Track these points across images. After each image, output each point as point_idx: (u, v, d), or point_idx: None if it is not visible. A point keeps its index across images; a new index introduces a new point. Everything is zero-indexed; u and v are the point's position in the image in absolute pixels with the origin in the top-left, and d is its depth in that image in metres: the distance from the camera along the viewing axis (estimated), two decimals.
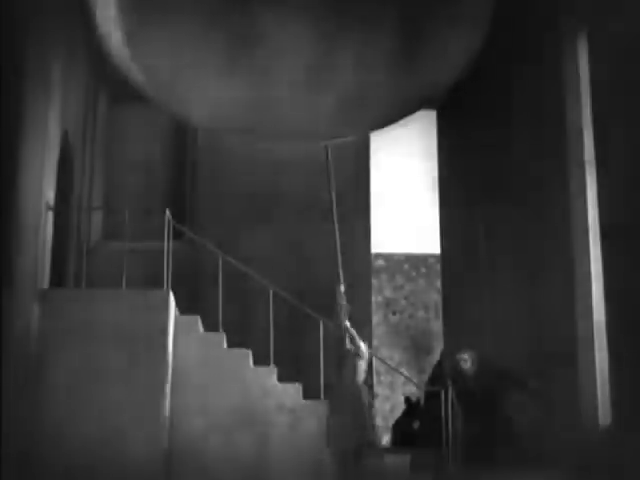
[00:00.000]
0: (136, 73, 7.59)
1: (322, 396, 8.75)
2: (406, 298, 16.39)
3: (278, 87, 7.51)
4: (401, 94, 7.79)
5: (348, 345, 7.79)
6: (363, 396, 7.63)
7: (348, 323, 7.84)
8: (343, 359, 7.78)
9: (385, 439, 12.24)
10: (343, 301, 7.90)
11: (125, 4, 7.34)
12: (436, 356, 14.12)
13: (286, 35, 7.37)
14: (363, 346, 7.83)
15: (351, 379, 7.67)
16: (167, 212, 9.01)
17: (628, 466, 7.13)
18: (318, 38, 7.44)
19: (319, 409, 8.63)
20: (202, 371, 8.58)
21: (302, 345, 10.31)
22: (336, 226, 8.16)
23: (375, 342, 14.46)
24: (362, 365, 7.74)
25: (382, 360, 12.72)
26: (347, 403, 7.60)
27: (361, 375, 7.73)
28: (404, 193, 15.23)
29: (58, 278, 9.50)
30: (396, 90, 7.70)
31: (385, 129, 8.72)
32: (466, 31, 7.67)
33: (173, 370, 8.42)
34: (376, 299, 15.41)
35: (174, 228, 9.18)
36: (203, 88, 7.58)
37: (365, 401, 7.63)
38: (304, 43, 7.45)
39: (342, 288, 7.97)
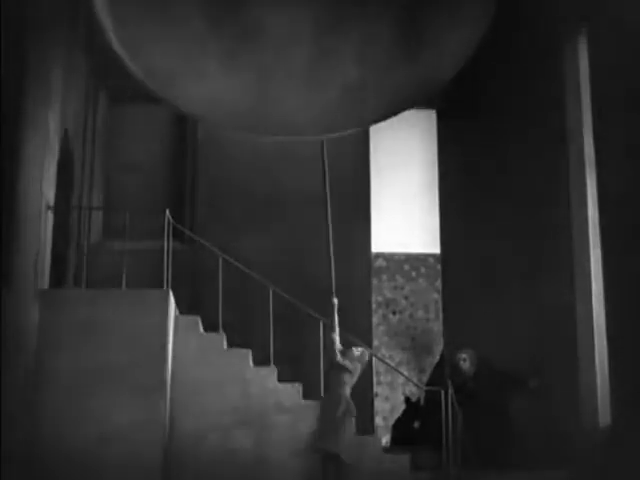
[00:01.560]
0: (137, 69, 7.58)
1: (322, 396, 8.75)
2: (406, 298, 16.38)
3: (278, 81, 7.54)
4: (400, 87, 7.82)
5: (338, 357, 7.83)
6: (341, 409, 7.69)
7: (338, 339, 7.89)
8: (329, 372, 7.90)
9: (385, 439, 12.22)
10: (335, 316, 7.99)
11: (125, 3, 7.35)
12: (436, 356, 14.13)
13: (286, 30, 7.41)
14: (356, 353, 7.87)
15: (334, 390, 7.77)
16: (167, 212, 9.01)
17: (628, 466, 7.13)
18: (318, 33, 7.47)
19: (319, 409, 8.63)
20: (202, 371, 8.57)
21: (302, 345, 10.30)
22: (330, 235, 8.16)
23: (375, 342, 14.45)
24: (348, 379, 7.79)
25: (382, 360, 12.71)
26: (325, 412, 7.73)
27: (346, 390, 7.82)
28: (404, 193, 15.22)
29: (58, 278, 9.50)
30: (396, 83, 7.73)
31: (384, 122, 8.70)
32: (466, 27, 7.69)
33: (173, 370, 8.42)
34: (376, 299, 15.39)
35: (174, 228, 9.18)
36: (204, 83, 7.58)
37: (341, 414, 7.71)
38: (304, 38, 7.48)
39: (335, 301, 8.03)
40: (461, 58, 7.83)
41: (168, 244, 8.83)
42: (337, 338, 7.92)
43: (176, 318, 8.67)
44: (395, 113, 8.24)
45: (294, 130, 8.05)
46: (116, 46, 7.45)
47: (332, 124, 7.90)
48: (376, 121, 8.63)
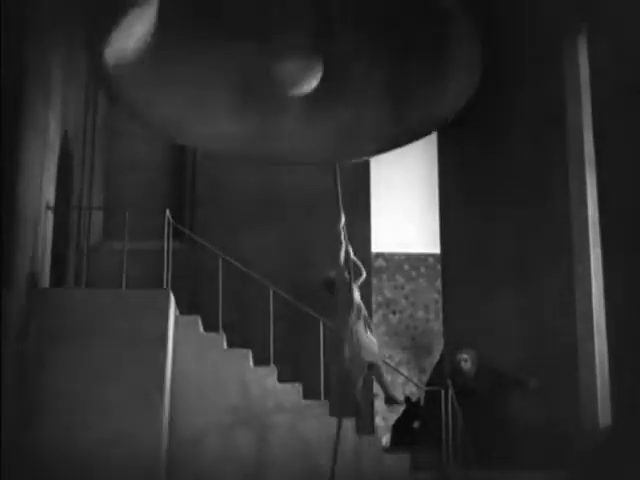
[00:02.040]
0: (137, 104, 7.64)
1: (322, 396, 8.75)
2: (406, 298, 16.38)
3: (280, 119, 7.67)
4: (400, 125, 7.94)
5: (352, 253, 7.84)
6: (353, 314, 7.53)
7: (351, 250, 7.78)
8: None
9: (385, 439, 12.22)
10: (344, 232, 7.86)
11: (138, 43, 7.39)
12: (436, 356, 14.13)
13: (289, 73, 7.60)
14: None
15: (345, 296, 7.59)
16: (167, 212, 9.01)
17: (628, 466, 7.13)
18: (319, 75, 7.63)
19: (319, 409, 8.64)
20: (202, 371, 8.57)
21: (302, 345, 10.30)
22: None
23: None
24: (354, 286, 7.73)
25: (382, 360, 12.69)
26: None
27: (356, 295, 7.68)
28: (404, 193, 15.22)
29: (58, 278, 9.50)
30: (395, 123, 7.86)
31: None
32: (459, 75, 7.83)
33: (173, 370, 8.41)
34: (376, 299, 15.40)
35: (174, 228, 9.19)
36: (208, 124, 7.68)
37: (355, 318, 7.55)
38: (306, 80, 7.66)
39: (343, 219, 7.90)
40: (459, 101, 7.97)
41: (168, 244, 8.84)
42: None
43: (176, 318, 8.67)
44: (397, 147, 8.37)
45: (292, 162, 8.17)
46: (118, 82, 7.54)
47: (331, 156, 8.00)
48: (375, 155, 8.77)
